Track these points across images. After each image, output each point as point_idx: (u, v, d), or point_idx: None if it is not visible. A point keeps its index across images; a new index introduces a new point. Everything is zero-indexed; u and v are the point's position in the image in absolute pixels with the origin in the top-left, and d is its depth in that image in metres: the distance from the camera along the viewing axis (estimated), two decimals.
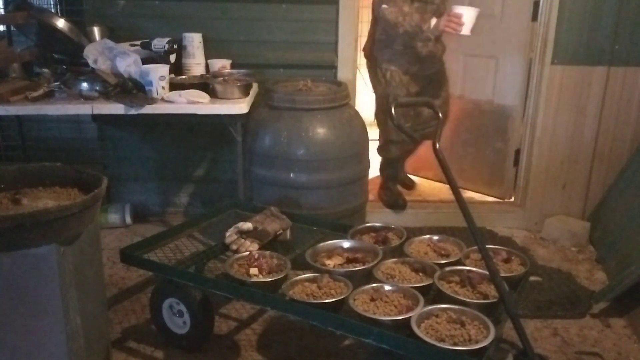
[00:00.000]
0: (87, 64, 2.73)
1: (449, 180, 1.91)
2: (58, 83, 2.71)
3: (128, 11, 3.16)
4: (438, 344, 1.66)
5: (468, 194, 3.65)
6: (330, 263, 2.13)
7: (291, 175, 2.79)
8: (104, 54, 2.71)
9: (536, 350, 1.96)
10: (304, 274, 2.06)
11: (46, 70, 2.83)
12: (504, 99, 3.52)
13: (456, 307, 1.82)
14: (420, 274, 2.07)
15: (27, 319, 1.64)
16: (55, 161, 1.90)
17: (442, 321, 1.77)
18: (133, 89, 2.63)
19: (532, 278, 2.73)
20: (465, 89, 3.69)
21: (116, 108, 2.56)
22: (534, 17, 3.23)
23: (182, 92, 2.64)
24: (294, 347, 2.32)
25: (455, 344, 1.67)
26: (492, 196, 3.68)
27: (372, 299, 1.89)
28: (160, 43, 2.87)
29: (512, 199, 3.60)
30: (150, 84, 2.62)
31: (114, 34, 3.05)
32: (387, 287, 1.94)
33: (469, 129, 3.70)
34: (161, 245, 2.43)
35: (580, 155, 3.33)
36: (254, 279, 2.02)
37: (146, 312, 2.47)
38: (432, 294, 1.98)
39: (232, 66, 3.10)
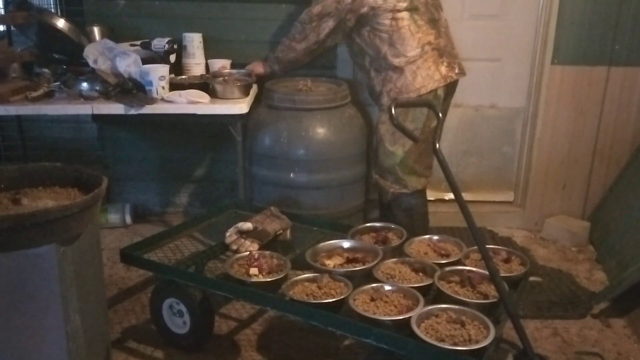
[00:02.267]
0: (87, 64, 2.73)
1: (449, 180, 1.91)
2: (58, 83, 2.71)
3: (128, 11, 3.16)
4: (438, 344, 1.65)
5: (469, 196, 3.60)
6: (330, 263, 2.13)
7: (291, 175, 2.79)
8: (104, 54, 2.71)
9: (536, 350, 1.96)
10: (304, 274, 2.06)
11: (46, 70, 2.82)
12: (510, 101, 3.42)
13: (456, 307, 1.82)
14: (420, 274, 2.07)
15: (27, 319, 1.63)
16: (55, 161, 1.90)
17: (442, 321, 1.77)
18: (133, 89, 2.63)
19: (532, 278, 2.73)
20: (464, 96, 3.50)
21: (116, 108, 2.56)
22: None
23: (182, 92, 2.63)
24: (294, 347, 2.32)
25: (455, 344, 1.67)
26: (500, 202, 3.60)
27: (372, 299, 1.89)
28: (160, 43, 2.87)
29: (512, 199, 3.60)
30: (150, 84, 2.62)
31: (114, 34, 3.05)
32: (387, 287, 1.94)
33: (471, 137, 3.55)
34: (161, 245, 2.43)
35: (580, 155, 3.33)
36: (254, 279, 2.02)
37: (146, 312, 2.47)
38: (432, 294, 1.98)
39: (232, 66, 3.09)
